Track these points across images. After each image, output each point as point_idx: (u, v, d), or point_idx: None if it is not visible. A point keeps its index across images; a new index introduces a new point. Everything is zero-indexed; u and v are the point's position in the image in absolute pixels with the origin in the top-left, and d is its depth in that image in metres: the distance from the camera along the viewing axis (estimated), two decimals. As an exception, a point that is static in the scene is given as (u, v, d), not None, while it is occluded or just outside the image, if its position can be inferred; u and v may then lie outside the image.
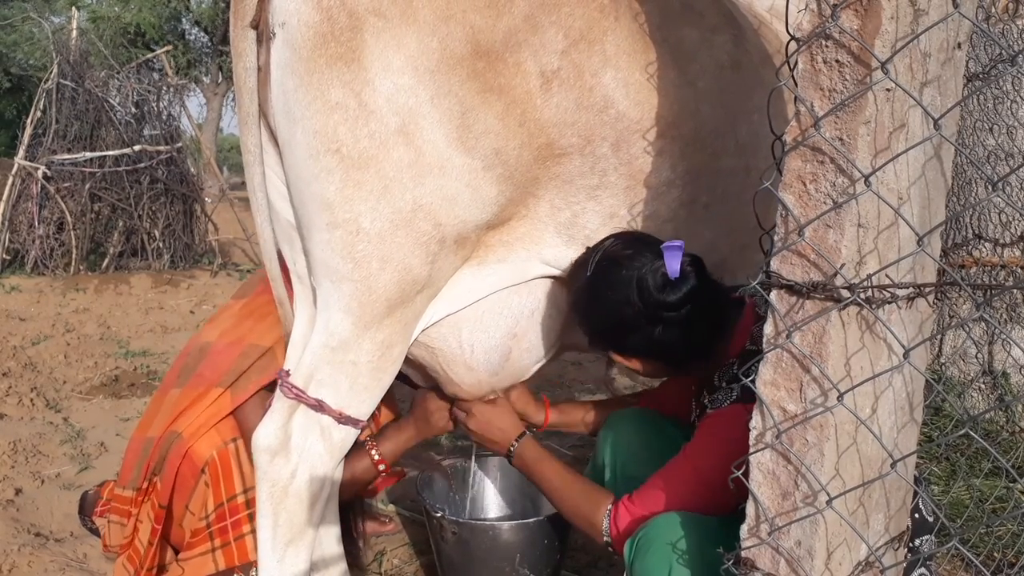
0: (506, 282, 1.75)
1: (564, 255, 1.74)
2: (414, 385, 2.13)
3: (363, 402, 1.68)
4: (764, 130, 1.82)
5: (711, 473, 1.47)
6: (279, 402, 1.69)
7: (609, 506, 1.60)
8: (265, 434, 1.67)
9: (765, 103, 1.82)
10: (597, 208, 1.71)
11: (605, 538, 1.59)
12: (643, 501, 1.55)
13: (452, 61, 1.50)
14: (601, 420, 2.06)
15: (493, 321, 1.77)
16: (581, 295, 1.65)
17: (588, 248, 1.68)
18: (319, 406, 1.65)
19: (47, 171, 7.52)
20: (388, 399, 2.39)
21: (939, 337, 3.25)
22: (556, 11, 1.57)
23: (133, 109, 8.31)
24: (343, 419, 1.66)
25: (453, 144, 1.53)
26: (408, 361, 1.85)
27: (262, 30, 1.55)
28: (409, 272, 1.58)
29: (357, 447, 2.08)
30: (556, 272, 1.78)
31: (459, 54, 1.50)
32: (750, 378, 1.23)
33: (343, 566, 2.00)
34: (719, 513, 1.46)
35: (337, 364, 1.63)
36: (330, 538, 2.00)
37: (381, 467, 2.05)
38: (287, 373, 1.70)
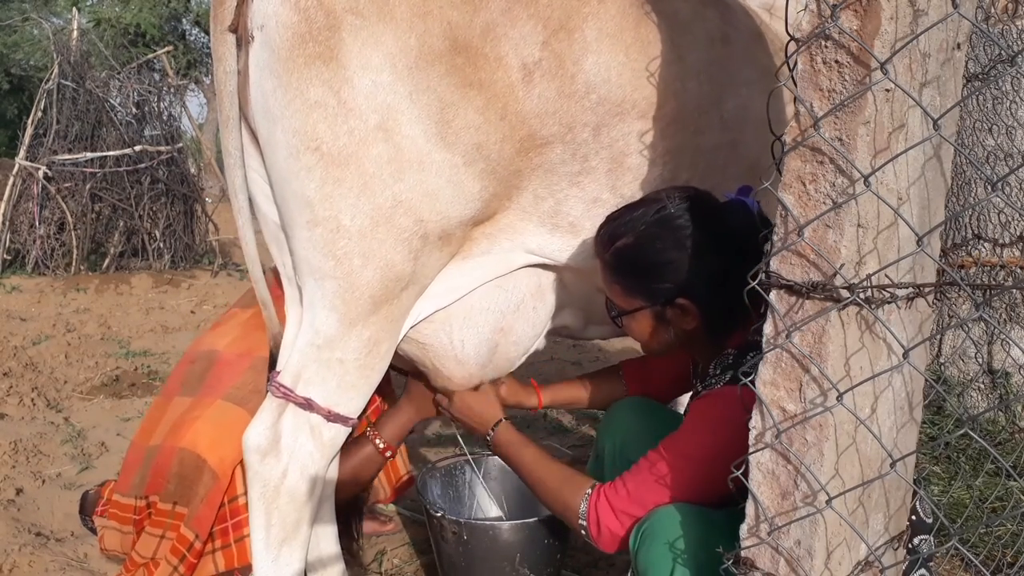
0: (491, 274, 1.75)
1: (548, 243, 1.75)
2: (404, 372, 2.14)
3: (352, 400, 1.68)
4: (752, 103, 1.84)
5: (701, 455, 1.48)
6: (268, 402, 1.69)
7: (588, 490, 1.59)
8: (255, 434, 1.67)
9: (753, 78, 1.85)
10: (580, 194, 1.72)
11: (581, 521, 1.58)
12: (628, 491, 1.54)
13: (430, 57, 1.51)
14: (592, 391, 2.11)
15: (481, 316, 1.78)
16: (648, 246, 1.59)
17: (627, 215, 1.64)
18: (307, 405, 1.65)
19: (48, 171, 7.52)
20: (390, 398, 2.40)
21: (939, 337, 3.25)
22: (534, 2, 1.57)
23: (134, 109, 8.31)
24: (332, 417, 1.66)
25: (432, 140, 1.53)
26: (399, 357, 1.86)
27: (241, 34, 1.56)
28: (392, 268, 1.58)
29: (359, 439, 2.09)
30: (540, 261, 1.79)
31: (437, 50, 1.51)
32: (749, 378, 1.23)
33: (341, 566, 2.00)
34: (713, 499, 1.46)
35: (324, 362, 1.63)
36: (328, 537, 2.00)
37: (388, 453, 2.06)
38: (276, 373, 1.70)
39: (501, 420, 1.85)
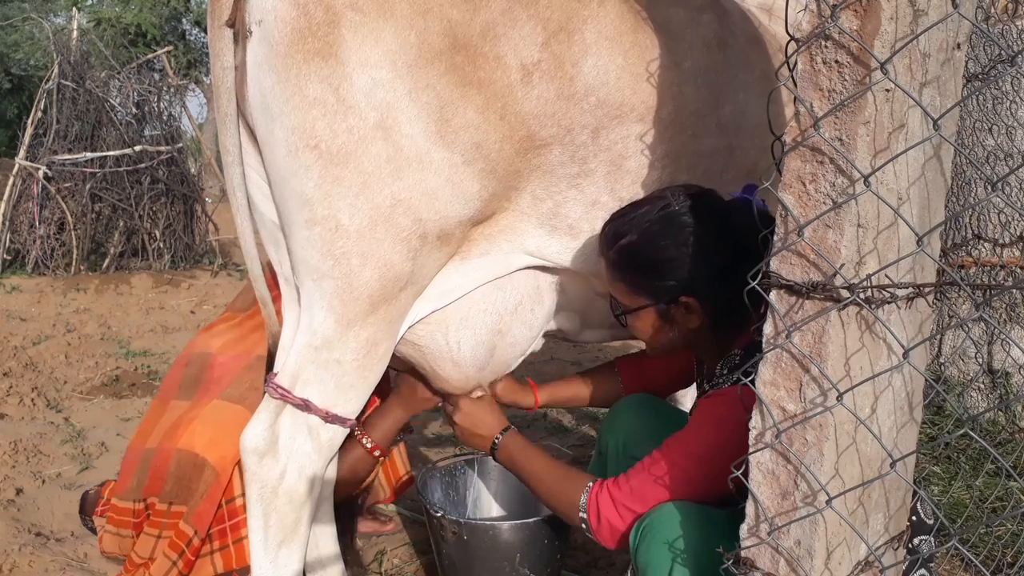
0: (490, 276, 1.75)
1: (547, 245, 1.75)
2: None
3: (350, 401, 1.67)
4: (749, 109, 1.85)
5: (706, 454, 1.48)
6: (266, 403, 1.68)
7: (589, 484, 1.59)
8: (252, 435, 1.66)
9: (750, 82, 1.85)
10: (579, 196, 1.72)
11: (581, 514, 1.58)
12: (632, 487, 1.53)
13: (430, 55, 1.50)
14: (588, 389, 2.09)
15: (478, 318, 1.77)
16: (652, 244, 1.59)
17: (629, 214, 1.63)
18: (305, 406, 1.64)
19: (48, 171, 7.53)
20: (387, 392, 2.39)
21: (939, 337, 3.25)
22: (534, 4, 1.58)
23: (134, 109, 8.32)
24: (330, 418, 1.66)
25: (431, 138, 1.53)
26: (397, 360, 1.85)
27: (238, 29, 1.55)
28: (390, 268, 1.58)
29: (347, 441, 2.08)
30: (539, 263, 1.78)
31: (437, 48, 1.51)
32: (750, 378, 1.23)
33: (340, 566, 2.00)
34: (716, 498, 1.46)
35: (322, 363, 1.63)
36: (327, 538, 2.00)
37: (376, 453, 2.05)
38: (274, 374, 1.70)
39: (509, 427, 1.84)
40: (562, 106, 1.61)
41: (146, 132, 8.37)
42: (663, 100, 1.71)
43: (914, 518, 1.48)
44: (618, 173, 1.72)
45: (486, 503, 2.43)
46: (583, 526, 1.59)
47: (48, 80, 7.76)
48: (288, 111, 1.50)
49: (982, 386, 3.19)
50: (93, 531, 2.42)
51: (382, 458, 2.09)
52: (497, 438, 1.83)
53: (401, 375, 2.05)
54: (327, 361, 1.62)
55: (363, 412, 1.83)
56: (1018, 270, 3.05)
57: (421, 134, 1.52)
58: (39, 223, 7.51)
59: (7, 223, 7.54)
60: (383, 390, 2.31)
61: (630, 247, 1.60)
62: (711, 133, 1.80)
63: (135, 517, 2.09)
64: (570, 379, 2.15)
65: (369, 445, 2.03)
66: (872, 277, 1.12)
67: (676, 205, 1.58)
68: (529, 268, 1.81)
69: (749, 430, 1.23)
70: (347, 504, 2.35)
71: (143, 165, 7.95)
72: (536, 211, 1.72)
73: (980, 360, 3.20)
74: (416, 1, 1.49)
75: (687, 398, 2.47)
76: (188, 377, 2.18)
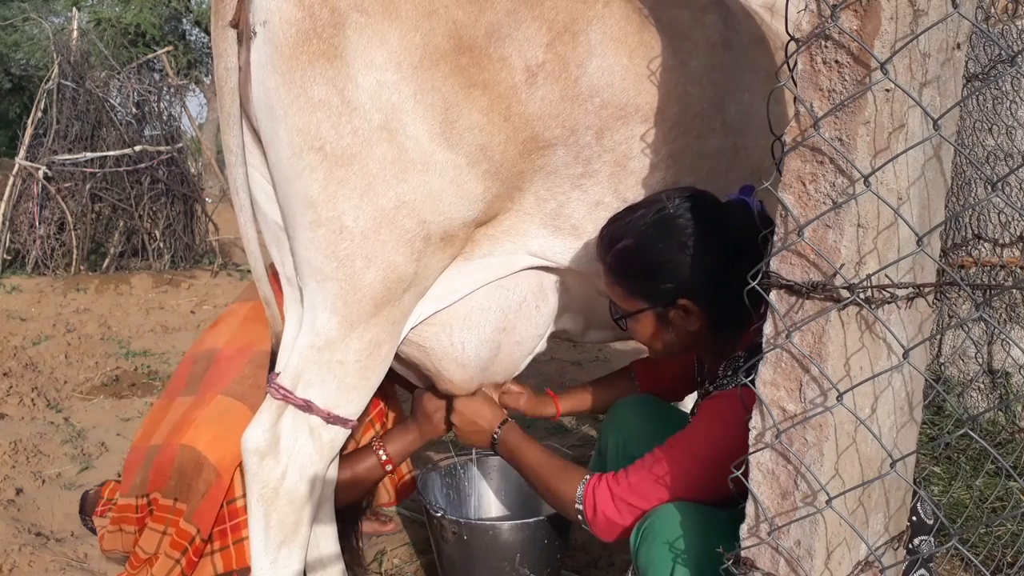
0: (493, 276, 1.75)
1: (550, 246, 1.75)
2: (410, 387, 2.13)
3: (351, 402, 1.67)
4: (754, 109, 1.85)
5: (708, 454, 1.48)
6: (267, 403, 1.69)
7: (587, 476, 1.60)
8: (254, 436, 1.66)
9: (755, 82, 1.85)
10: (582, 197, 1.72)
11: (577, 505, 1.58)
12: (631, 482, 1.54)
13: (435, 56, 1.50)
14: (607, 395, 2.12)
15: (482, 317, 1.77)
16: (648, 247, 1.59)
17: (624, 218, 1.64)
18: (307, 406, 1.64)
19: (48, 171, 7.52)
20: (392, 401, 2.39)
21: (939, 337, 3.25)
22: (539, 5, 1.57)
23: (134, 109, 8.30)
24: (332, 419, 1.66)
25: (436, 140, 1.53)
26: (401, 360, 1.85)
27: (242, 29, 1.54)
28: (394, 270, 1.58)
29: (364, 449, 2.09)
30: (542, 263, 1.79)
31: (442, 49, 1.50)
32: (750, 378, 1.23)
33: (341, 566, 2.00)
34: (716, 498, 1.46)
35: (324, 364, 1.63)
36: (327, 538, 2.00)
37: (388, 467, 2.05)
38: (275, 374, 1.70)
39: (507, 419, 1.85)
40: (567, 107, 1.61)
41: (146, 132, 8.35)
42: (668, 101, 1.70)
43: (914, 518, 1.48)
44: (622, 174, 1.72)
45: (486, 503, 2.43)
46: (579, 518, 1.59)
47: (48, 80, 7.75)
48: (292, 112, 1.50)
49: (982, 386, 3.19)
50: (93, 531, 2.42)
51: (391, 472, 2.09)
52: (496, 432, 1.83)
53: (416, 401, 2.05)
54: (330, 362, 1.62)
55: (365, 413, 1.83)
56: (1018, 270, 3.05)
57: (426, 136, 1.52)
58: (39, 223, 7.50)
59: (7, 223, 7.53)
60: (386, 391, 2.31)
61: (626, 251, 1.61)
62: (716, 133, 1.80)
63: (138, 513, 2.09)
64: (587, 386, 2.17)
65: (384, 457, 2.04)
66: (872, 277, 1.12)
67: (671, 208, 1.59)
68: (532, 268, 1.81)
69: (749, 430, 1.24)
70: (349, 506, 2.35)
71: (143, 165, 7.94)
72: (540, 212, 1.72)
73: (980, 360, 3.20)
74: (421, 2, 1.49)
75: (688, 399, 2.48)
76: (194, 375, 2.18)
